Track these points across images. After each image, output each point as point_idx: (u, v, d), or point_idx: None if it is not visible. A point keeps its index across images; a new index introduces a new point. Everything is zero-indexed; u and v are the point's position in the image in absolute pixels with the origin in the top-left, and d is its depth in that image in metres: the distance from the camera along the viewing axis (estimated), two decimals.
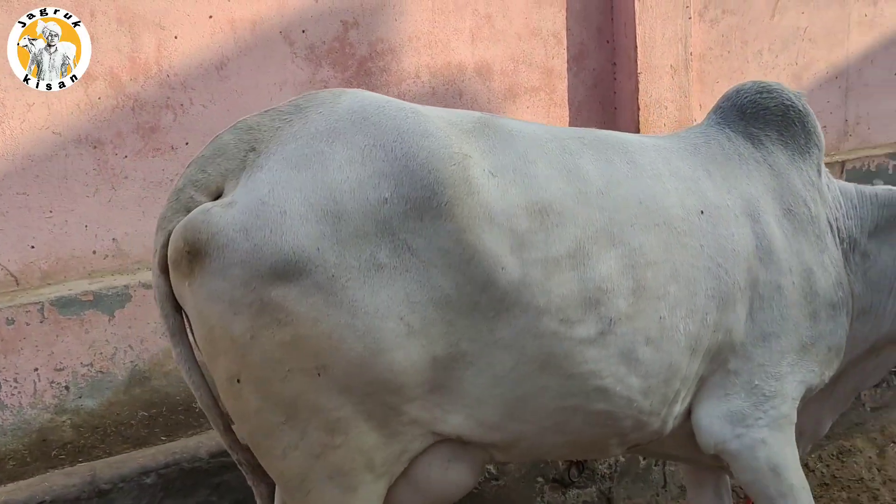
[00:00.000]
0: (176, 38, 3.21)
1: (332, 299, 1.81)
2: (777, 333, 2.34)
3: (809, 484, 2.81)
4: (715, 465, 2.60)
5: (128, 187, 3.25)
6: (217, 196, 1.89)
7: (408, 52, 3.66)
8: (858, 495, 3.77)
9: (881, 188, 2.69)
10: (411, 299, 1.87)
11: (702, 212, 2.29)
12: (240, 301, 1.79)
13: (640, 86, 4.08)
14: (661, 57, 4.09)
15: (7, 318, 3.03)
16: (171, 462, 2.74)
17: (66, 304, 3.11)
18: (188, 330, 2.00)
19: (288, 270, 1.78)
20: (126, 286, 3.18)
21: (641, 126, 4.12)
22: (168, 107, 3.25)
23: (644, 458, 3.64)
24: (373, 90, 3.32)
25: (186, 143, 3.31)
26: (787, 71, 4.58)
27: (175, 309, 1.95)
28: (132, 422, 3.28)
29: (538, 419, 2.13)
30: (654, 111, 4.12)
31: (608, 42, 4.13)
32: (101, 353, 3.19)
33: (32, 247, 3.20)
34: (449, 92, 3.77)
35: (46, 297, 3.11)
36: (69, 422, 3.18)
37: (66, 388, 3.16)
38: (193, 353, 2.00)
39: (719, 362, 2.32)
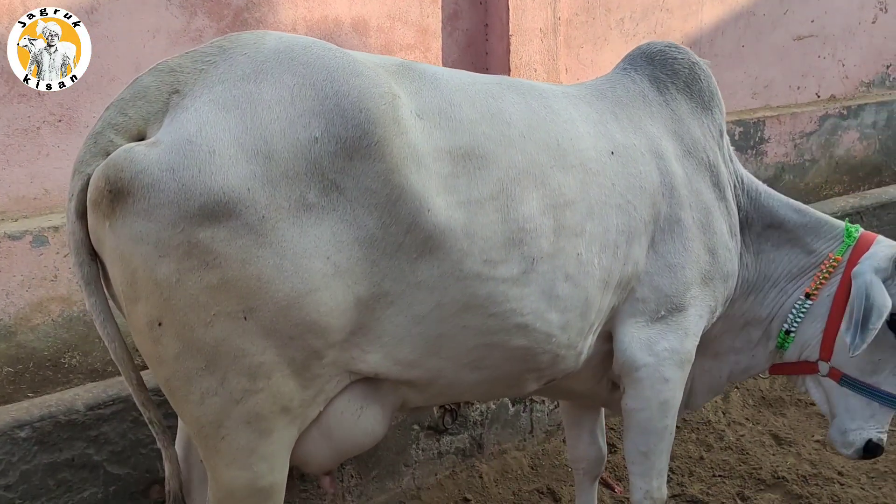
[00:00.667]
0: None
1: (262, 240, 1.80)
2: (681, 265, 2.48)
3: None
4: (604, 396, 2.76)
5: None
6: (139, 140, 1.83)
7: (284, 5, 3.63)
8: (706, 436, 4.07)
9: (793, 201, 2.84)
10: (337, 239, 1.88)
11: (612, 153, 2.39)
12: (166, 243, 1.75)
13: (511, 48, 4.19)
14: (531, 20, 4.21)
15: None
16: (45, 415, 2.64)
17: None
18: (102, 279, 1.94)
19: (217, 211, 1.75)
20: None
21: None
22: None
23: (513, 406, 3.80)
24: None
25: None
26: (647, 38, 4.79)
27: (91, 257, 1.89)
28: None
29: (457, 356, 2.18)
30: (524, 73, 4.24)
31: (481, 4, 4.21)
32: None
33: None
34: None
35: None
36: None
37: None
38: (108, 304, 1.95)
39: (628, 291, 2.46)
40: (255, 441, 1.98)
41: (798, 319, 2.74)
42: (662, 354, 2.50)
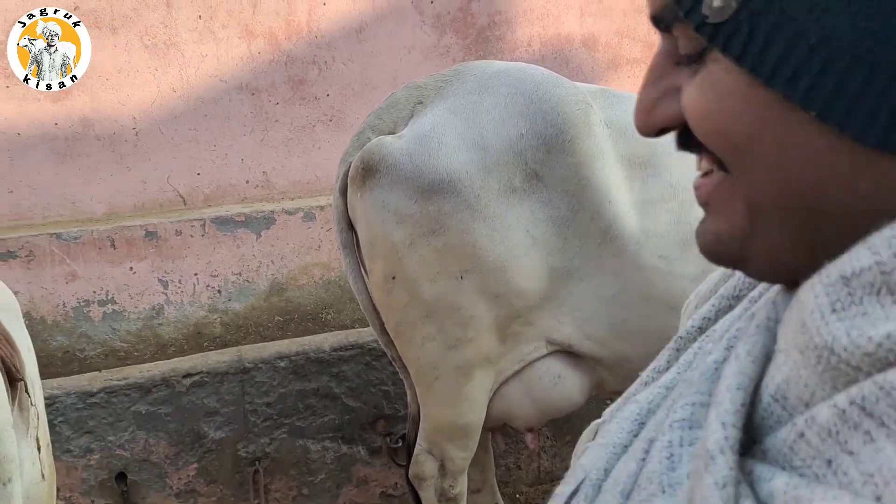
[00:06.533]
0: (324, 4, 3.78)
1: (477, 214, 2.20)
2: None
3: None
4: None
5: (277, 129, 3.84)
6: None
7: (522, 24, 4.12)
8: None
9: None
10: (535, 216, 2.24)
11: None
12: (403, 212, 2.21)
13: None
14: None
15: (176, 230, 3.63)
16: (300, 351, 3.31)
17: (222, 223, 3.69)
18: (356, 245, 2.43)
19: (443, 188, 2.18)
20: (272, 211, 3.77)
21: None
22: (314, 63, 3.82)
23: None
24: (489, 56, 3.84)
25: (327, 95, 3.88)
26: None
27: (348, 226, 2.40)
28: (269, 325, 3.89)
29: (642, 343, 2.38)
30: None
31: None
32: (248, 266, 3.79)
33: (198, 174, 3.80)
34: (556, 60, 4.22)
35: (207, 216, 3.69)
36: (219, 319, 3.80)
37: (219, 291, 3.77)
38: (359, 265, 2.44)
39: None
40: (462, 383, 2.36)
41: None
42: None
